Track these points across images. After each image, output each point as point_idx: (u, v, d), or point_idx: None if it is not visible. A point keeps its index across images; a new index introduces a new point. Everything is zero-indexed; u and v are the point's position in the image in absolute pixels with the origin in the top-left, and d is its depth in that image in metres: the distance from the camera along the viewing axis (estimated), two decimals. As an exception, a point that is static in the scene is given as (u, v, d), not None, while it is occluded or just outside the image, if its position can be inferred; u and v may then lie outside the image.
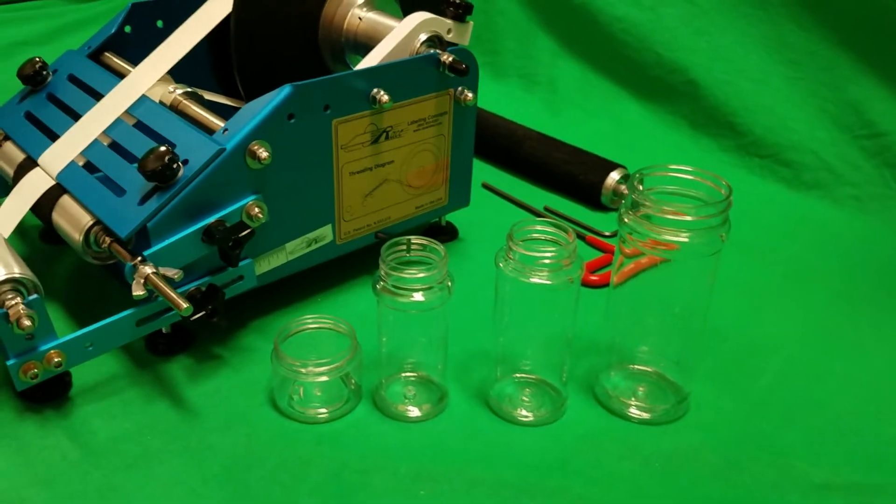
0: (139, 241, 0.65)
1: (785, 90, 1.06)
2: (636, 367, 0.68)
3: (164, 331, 0.71)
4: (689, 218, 0.58)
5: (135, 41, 0.83)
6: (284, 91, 0.67)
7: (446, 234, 0.89)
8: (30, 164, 0.73)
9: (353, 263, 0.81)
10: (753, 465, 0.62)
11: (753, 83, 1.07)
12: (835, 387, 0.70)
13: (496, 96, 1.22)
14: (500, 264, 0.61)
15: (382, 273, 0.62)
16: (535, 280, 0.60)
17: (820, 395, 0.69)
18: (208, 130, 0.69)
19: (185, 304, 0.60)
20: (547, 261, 0.60)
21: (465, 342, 0.72)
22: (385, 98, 0.71)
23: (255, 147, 0.66)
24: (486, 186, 1.01)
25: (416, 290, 0.61)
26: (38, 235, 0.86)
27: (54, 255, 0.84)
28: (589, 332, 0.71)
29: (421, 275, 0.61)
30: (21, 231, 0.87)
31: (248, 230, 0.66)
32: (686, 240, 0.58)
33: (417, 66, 0.74)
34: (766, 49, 1.07)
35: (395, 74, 0.73)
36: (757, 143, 1.05)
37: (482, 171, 1.05)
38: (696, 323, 0.64)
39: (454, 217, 0.91)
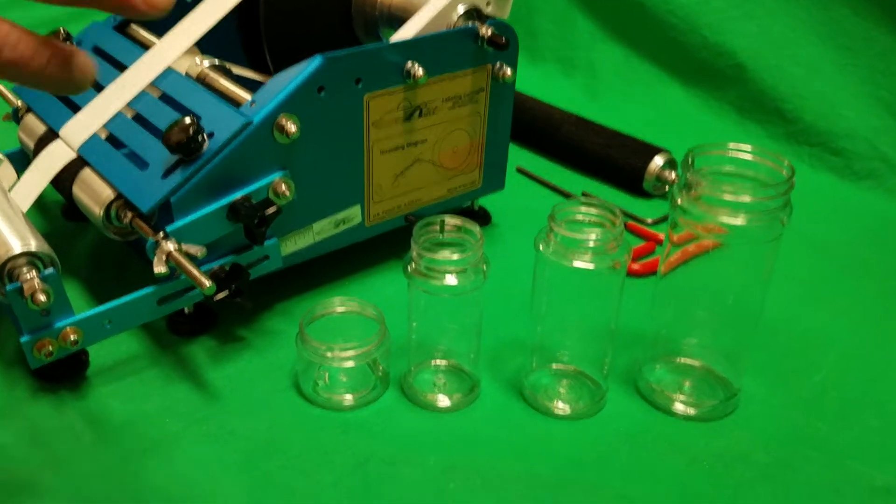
0: (162, 216, 0.62)
1: (837, 76, 1.01)
2: (682, 360, 0.64)
3: (186, 311, 0.68)
4: (747, 199, 0.54)
5: (162, 13, 0.80)
6: (315, 62, 0.63)
7: (479, 218, 0.86)
8: (51, 136, 0.71)
9: (383, 246, 0.77)
10: (807, 466, 0.58)
11: (804, 68, 1.02)
12: (891, 386, 0.65)
13: (533, 80, 1.18)
14: (541, 247, 0.58)
15: (414, 254, 0.58)
16: (577, 264, 0.56)
17: (878, 393, 0.65)
18: (235, 104, 0.66)
19: (208, 283, 0.57)
20: (591, 243, 0.56)
21: (497, 330, 0.69)
22: (420, 72, 0.68)
23: (284, 120, 0.62)
24: (521, 171, 0.97)
25: (450, 273, 0.58)
26: (61, 212, 0.84)
27: (76, 232, 0.81)
28: (630, 323, 0.68)
29: (455, 257, 0.58)
30: (43, 207, 0.85)
31: (275, 207, 0.63)
32: (744, 223, 0.54)
33: (454, 40, 0.71)
34: (817, 34, 1.02)
35: (431, 47, 0.69)
36: (807, 131, 1.01)
37: (517, 156, 1.01)
38: (750, 315, 0.60)
39: (487, 202, 0.87)
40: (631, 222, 0.87)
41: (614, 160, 0.94)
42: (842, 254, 0.84)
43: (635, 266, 0.78)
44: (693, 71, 1.11)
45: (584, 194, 0.93)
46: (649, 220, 0.87)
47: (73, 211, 0.82)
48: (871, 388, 0.65)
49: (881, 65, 0.98)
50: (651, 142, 0.95)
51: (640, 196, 0.93)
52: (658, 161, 0.91)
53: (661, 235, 0.83)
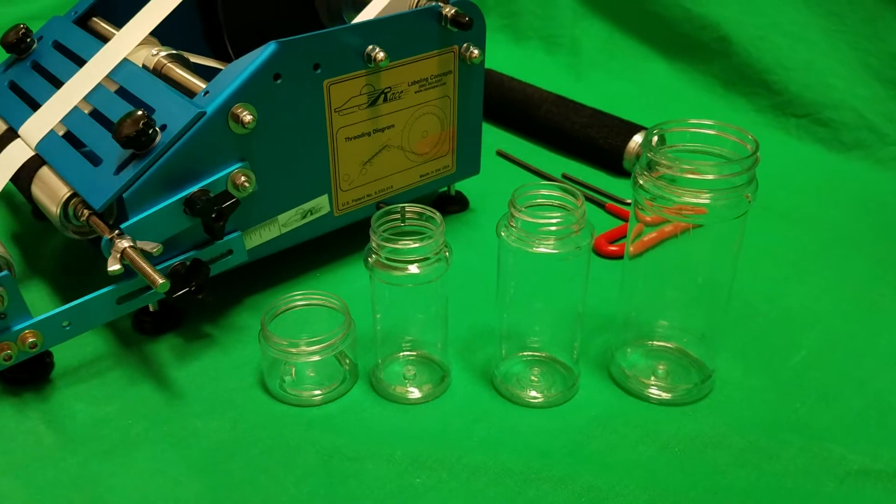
0: (120, 213, 0.61)
1: (823, 44, 0.98)
2: (655, 343, 0.63)
3: (151, 309, 0.67)
4: (710, 177, 0.52)
5: (123, 4, 0.78)
6: (269, 49, 0.62)
7: (456, 204, 0.84)
8: (11, 135, 0.70)
9: (354, 237, 0.76)
10: (784, 450, 0.56)
11: (789, 37, 1.00)
12: (876, 365, 0.64)
13: (516, 60, 1.16)
14: (502, 233, 0.56)
15: (374, 245, 0.57)
16: (540, 249, 0.54)
17: (859, 373, 0.63)
18: (191, 94, 0.64)
19: (161, 280, 0.56)
20: (553, 228, 0.54)
21: (472, 319, 0.67)
22: (381, 56, 0.66)
23: (239, 110, 0.61)
24: (500, 154, 0.96)
25: (412, 263, 0.56)
26: (31, 212, 0.83)
27: (46, 232, 0.80)
28: (606, 307, 0.66)
29: (416, 245, 0.56)
30: (14, 207, 0.84)
31: (233, 200, 0.61)
32: (708, 202, 0.52)
33: (416, 21, 0.69)
34: (802, 0, 0.99)
35: (392, 29, 0.67)
36: (793, 102, 0.98)
37: (497, 138, 0.99)
38: (721, 294, 0.58)
39: (465, 186, 0.85)
40: (611, 203, 0.85)
41: (594, 140, 0.91)
42: (829, 228, 0.81)
43: (613, 248, 0.77)
44: (677, 45, 1.09)
45: (564, 176, 0.91)
46: (629, 201, 0.85)
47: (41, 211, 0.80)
48: (853, 367, 0.63)
49: (869, 30, 0.96)
50: (636, 119, 0.93)
51: (621, 176, 0.91)
52: (638, 140, 0.89)
53: (647, 218, 0.81)
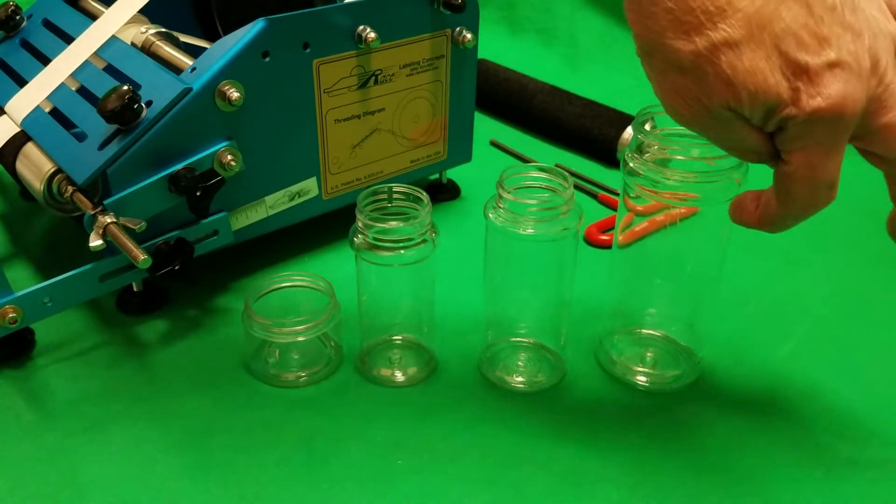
0: (105, 189, 0.60)
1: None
2: (644, 331, 0.62)
3: (135, 289, 0.66)
4: (699, 159, 0.51)
5: (114, -17, 0.78)
6: (258, 26, 0.61)
7: (447, 192, 0.83)
8: (-2, 111, 0.69)
9: (342, 221, 0.75)
10: (772, 437, 0.55)
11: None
12: (866, 355, 0.63)
13: (513, 53, 1.15)
14: (490, 215, 0.55)
15: (360, 225, 0.56)
16: (527, 231, 0.54)
17: (849, 364, 0.62)
18: (178, 71, 0.63)
19: (142, 256, 0.55)
20: (539, 209, 0.54)
21: (460, 305, 0.67)
22: (372, 36, 0.65)
23: (226, 87, 0.60)
24: (494, 144, 0.95)
25: (398, 243, 0.56)
26: (19, 193, 0.82)
27: (33, 213, 0.80)
28: (597, 295, 0.65)
29: (402, 226, 0.56)
30: (1, 188, 0.84)
31: (218, 178, 0.61)
32: (697, 181, 0.51)
33: (409, 2, 0.68)
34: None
35: (384, 10, 0.67)
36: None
37: (491, 128, 0.99)
38: (709, 282, 0.58)
39: (458, 175, 0.85)
40: (603, 193, 0.84)
41: (588, 130, 0.91)
42: (822, 220, 0.80)
43: (604, 237, 0.76)
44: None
45: (557, 166, 0.90)
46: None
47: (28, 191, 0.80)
48: (842, 359, 0.63)
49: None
50: (633, 112, 0.92)
51: (615, 167, 0.90)
52: (631, 130, 0.88)
53: (637, 207, 0.81)
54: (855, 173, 0.87)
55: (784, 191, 0.42)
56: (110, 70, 0.65)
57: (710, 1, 0.37)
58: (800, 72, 0.37)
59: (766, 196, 0.44)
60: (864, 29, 0.38)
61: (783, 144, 0.41)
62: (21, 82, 0.69)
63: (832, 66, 0.37)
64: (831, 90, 0.37)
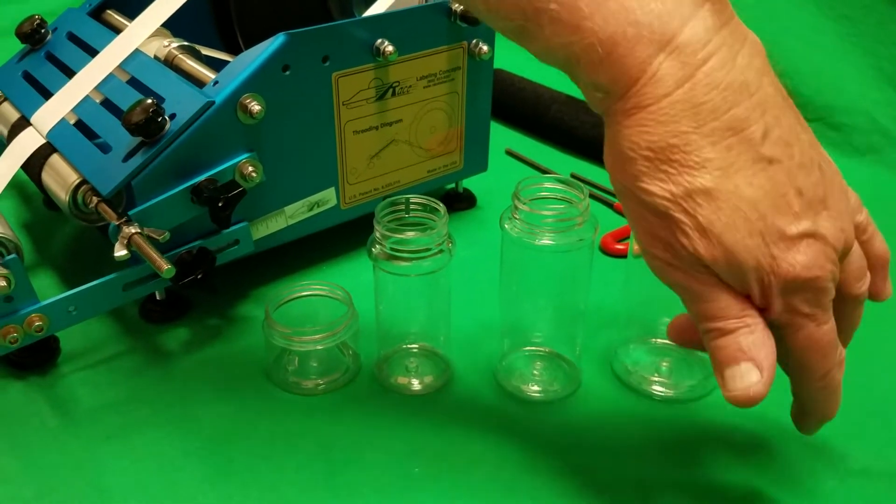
0: (129, 200, 0.61)
1: (836, 48, 0.98)
2: (659, 340, 0.63)
3: (158, 297, 0.67)
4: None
5: (137, -3, 0.79)
6: (278, 40, 0.62)
7: (463, 201, 0.84)
8: (24, 123, 0.70)
9: (360, 230, 0.76)
10: (785, 447, 0.56)
11: (801, 41, 0.99)
12: (882, 366, 0.63)
13: (522, 61, 1.15)
14: (505, 225, 0.56)
15: (378, 236, 0.57)
16: (542, 242, 0.55)
17: (865, 374, 0.62)
18: (201, 84, 0.65)
19: (166, 266, 0.56)
20: (555, 219, 0.54)
21: (476, 315, 0.67)
22: (390, 49, 0.66)
23: (247, 100, 0.61)
24: (510, 153, 0.96)
25: (415, 253, 0.56)
26: (42, 202, 0.83)
27: (58, 222, 0.81)
28: (612, 304, 0.66)
29: (419, 236, 0.56)
30: (25, 197, 0.85)
31: (239, 189, 0.62)
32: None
33: (426, 16, 0.69)
34: (815, 3, 0.99)
35: (402, 24, 0.68)
36: (804, 106, 0.98)
37: (506, 137, 1.00)
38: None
39: (473, 185, 0.85)
40: (619, 203, 0.85)
41: (603, 140, 0.91)
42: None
43: (619, 246, 0.77)
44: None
45: (572, 176, 0.91)
46: (637, 200, 0.85)
47: (53, 200, 0.81)
48: (858, 368, 0.62)
49: (882, 34, 0.95)
50: (644, 121, 0.93)
51: (630, 176, 0.90)
52: (647, 139, 0.88)
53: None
54: (874, 186, 0.88)
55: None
56: (134, 83, 0.66)
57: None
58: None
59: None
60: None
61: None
62: (46, 95, 0.71)
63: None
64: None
